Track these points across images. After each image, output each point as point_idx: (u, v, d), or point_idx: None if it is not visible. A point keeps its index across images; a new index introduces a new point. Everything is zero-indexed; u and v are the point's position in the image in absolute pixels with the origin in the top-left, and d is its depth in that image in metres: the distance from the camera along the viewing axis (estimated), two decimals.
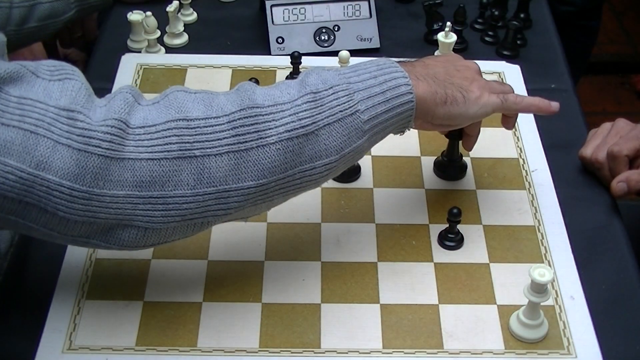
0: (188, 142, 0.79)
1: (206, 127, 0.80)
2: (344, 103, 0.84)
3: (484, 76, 1.00)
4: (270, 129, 0.81)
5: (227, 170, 0.80)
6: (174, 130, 0.79)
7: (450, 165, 1.13)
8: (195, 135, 0.79)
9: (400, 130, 0.93)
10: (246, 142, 0.80)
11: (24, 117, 0.75)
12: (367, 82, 0.87)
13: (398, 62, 0.92)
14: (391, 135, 1.19)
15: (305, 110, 0.83)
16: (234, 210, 0.83)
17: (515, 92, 1.01)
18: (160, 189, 0.79)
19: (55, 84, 0.78)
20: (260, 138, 0.81)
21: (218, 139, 0.80)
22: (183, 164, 0.79)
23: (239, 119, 0.81)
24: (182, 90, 0.83)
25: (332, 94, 0.84)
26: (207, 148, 0.79)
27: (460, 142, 1.10)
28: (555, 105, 1.01)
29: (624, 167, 1.10)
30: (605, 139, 1.13)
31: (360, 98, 0.85)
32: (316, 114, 0.83)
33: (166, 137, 0.79)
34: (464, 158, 1.14)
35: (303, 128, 0.82)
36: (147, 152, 0.78)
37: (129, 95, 0.81)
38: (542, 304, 0.91)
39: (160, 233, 0.82)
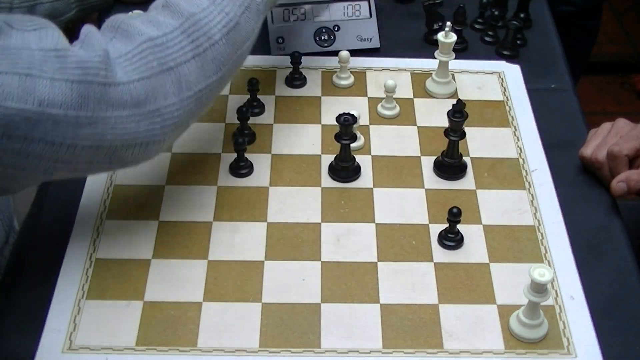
0: (162, 57, 0.89)
1: (168, 42, 0.90)
2: None
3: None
4: (212, 29, 0.92)
5: (197, 73, 0.91)
6: (146, 50, 0.88)
7: (450, 165, 1.13)
8: (164, 49, 0.89)
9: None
10: (201, 44, 0.92)
11: (14, 62, 0.78)
12: None
13: None
14: (391, 135, 1.20)
15: (226, 6, 0.94)
16: (206, 107, 0.96)
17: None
18: (154, 103, 0.88)
19: (32, 34, 0.82)
20: (210, 38, 0.92)
21: (182, 49, 0.90)
22: (165, 77, 0.89)
23: (187, 28, 0.91)
24: (124, 17, 0.91)
25: None
26: (177, 58, 0.90)
27: (460, 141, 1.10)
28: None
29: (624, 167, 1.10)
30: (605, 139, 1.13)
31: None
32: (233, 7, 0.95)
33: (144, 57, 0.88)
34: (463, 158, 1.14)
35: (232, 21, 0.94)
36: (135, 74, 0.87)
37: (98, 34, 0.88)
38: (542, 303, 0.91)
39: (158, 145, 0.91)
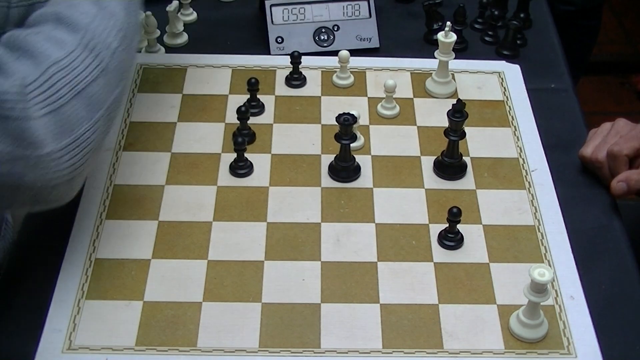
0: (71, 81, 0.83)
1: (73, 61, 0.84)
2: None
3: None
4: (108, 36, 0.87)
5: (104, 88, 0.86)
6: (55, 76, 0.82)
7: (450, 165, 1.13)
8: (71, 71, 0.83)
9: None
10: (104, 57, 0.86)
11: None
12: None
13: None
14: (391, 135, 1.20)
15: (114, 6, 0.88)
16: (113, 123, 0.91)
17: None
18: (70, 134, 0.83)
19: None
20: (108, 47, 0.86)
21: (87, 67, 0.84)
22: (77, 102, 0.83)
23: (87, 42, 0.85)
24: (24, 35, 0.85)
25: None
26: (85, 78, 0.84)
27: (460, 141, 1.10)
28: None
29: (623, 166, 1.10)
30: (605, 139, 1.13)
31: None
32: (117, 5, 0.89)
33: (53, 84, 0.82)
34: (463, 158, 1.14)
35: (121, 21, 0.88)
36: (47, 106, 0.81)
37: (6, 54, 0.83)
38: (541, 303, 0.91)
39: (80, 178, 0.87)
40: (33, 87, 0.80)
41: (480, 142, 1.19)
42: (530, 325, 0.93)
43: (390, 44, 1.38)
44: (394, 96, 1.22)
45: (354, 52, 1.29)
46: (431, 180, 1.13)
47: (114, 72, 0.87)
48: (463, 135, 1.11)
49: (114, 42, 0.87)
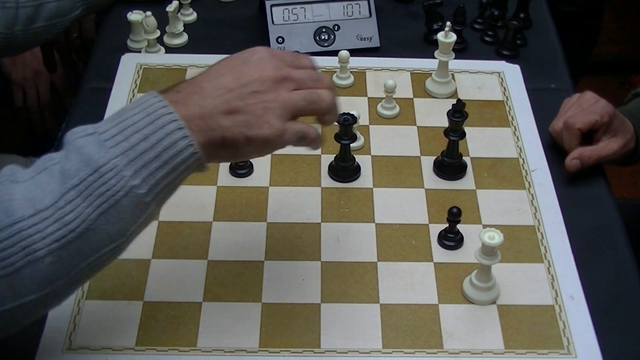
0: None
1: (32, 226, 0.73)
2: (114, 185, 0.74)
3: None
4: (36, 242, 0.73)
5: (2, 293, 0.73)
6: None
7: (449, 165, 1.13)
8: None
9: (200, 170, 0.82)
10: (14, 263, 0.72)
11: None
12: (138, 147, 0.76)
13: (174, 90, 0.81)
14: (391, 135, 1.20)
15: (70, 212, 0.73)
16: (26, 321, 0.78)
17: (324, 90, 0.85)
18: None
19: None
20: (28, 254, 0.73)
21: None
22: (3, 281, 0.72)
23: (1, 240, 0.72)
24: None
25: (98, 178, 0.74)
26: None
27: (460, 141, 1.10)
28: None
29: (575, 139, 1.12)
30: (567, 111, 1.15)
31: (132, 172, 0.75)
32: (84, 210, 0.74)
33: None
34: (463, 158, 1.14)
35: (73, 232, 0.74)
36: None
37: None
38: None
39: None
40: None
41: (480, 142, 1.19)
42: (481, 288, 0.96)
43: (390, 44, 1.38)
44: (394, 96, 1.22)
45: (354, 52, 1.29)
46: (431, 180, 1.13)
47: (27, 280, 0.73)
48: (463, 135, 1.11)
49: (41, 250, 0.73)
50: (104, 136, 0.76)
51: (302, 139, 0.83)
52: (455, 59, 1.26)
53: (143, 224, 0.78)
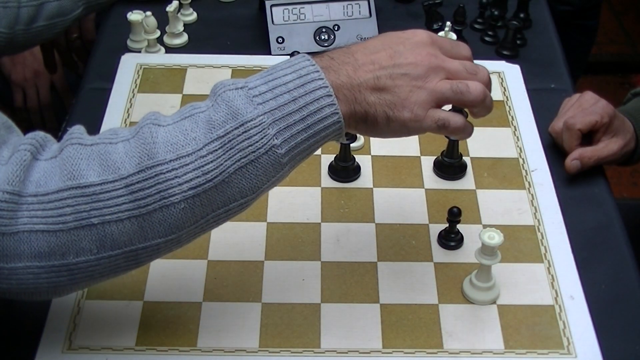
0: (84, 211, 0.73)
1: (102, 193, 0.74)
2: (257, 142, 0.76)
3: None
4: (172, 187, 0.74)
5: (130, 234, 0.75)
6: (67, 200, 0.73)
7: (449, 165, 1.13)
8: (92, 202, 0.73)
9: (337, 139, 0.83)
10: (147, 205, 0.74)
11: None
12: (285, 107, 0.77)
13: (326, 56, 0.82)
14: None
15: (211, 162, 0.75)
16: (146, 262, 0.80)
17: (473, 85, 0.84)
18: (61, 259, 0.74)
19: None
20: (163, 198, 0.74)
21: (116, 205, 0.74)
22: (82, 233, 0.74)
23: (137, 182, 0.74)
24: (77, 144, 0.76)
25: (242, 133, 0.75)
26: (105, 215, 0.74)
27: (460, 141, 1.10)
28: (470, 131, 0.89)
29: (575, 139, 1.12)
30: (567, 111, 1.15)
31: (276, 131, 0.76)
32: (224, 162, 0.75)
33: (60, 207, 0.73)
34: (463, 158, 1.14)
35: (210, 182, 0.75)
36: (41, 224, 0.73)
37: (26, 154, 0.75)
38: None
39: (70, 289, 0.80)
40: (35, 200, 0.73)
41: (480, 142, 1.19)
42: (481, 288, 0.96)
43: None
44: None
45: None
46: (431, 180, 1.13)
47: (158, 224, 0.75)
48: None
49: (176, 195, 0.74)
50: (253, 92, 0.77)
51: (442, 127, 0.83)
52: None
53: (273, 184, 0.79)
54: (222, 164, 0.75)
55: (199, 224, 0.78)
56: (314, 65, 0.79)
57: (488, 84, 0.86)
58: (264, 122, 0.76)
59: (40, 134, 0.78)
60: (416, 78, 0.81)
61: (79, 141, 0.77)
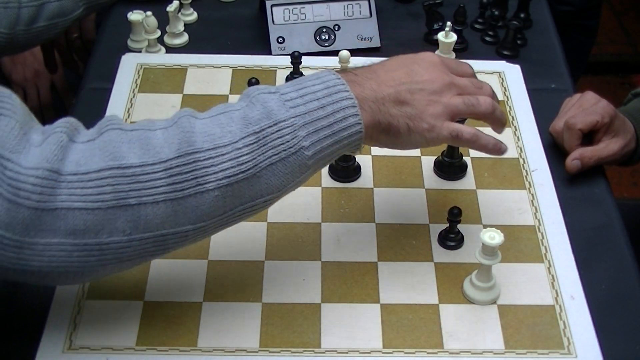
0: (123, 191, 0.76)
1: (142, 174, 0.77)
2: (288, 141, 0.81)
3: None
4: (208, 175, 0.78)
5: (164, 217, 0.78)
6: (108, 179, 0.76)
7: (450, 165, 1.13)
8: (131, 183, 0.77)
9: (349, 153, 0.90)
10: (183, 189, 0.78)
11: None
12: (314, 113, 0.83)
13: (350, 72, 0.88)
14: None
15: (246, 154, 0.80)
16: (172, 249, 0.83)
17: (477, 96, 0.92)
18: (94, 237, 0.77)
19: None
20: (199, 185, 0.78)
21: (154, 187, 0.77)
22: (118, 213, 0.77)
23: (176, 166, 0.78)
24: (117, 128, 0.80)
25: (276, 131, 0.81)
26: (142, 196, 0.77)
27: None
28: (504, 149, 0.96)
29: (576, 139, 1.12)
30: (568, 111, 1.15)
31: (305, 133, 0.82)
32: (258, 156, 0.80)
33: (100, 186, 0.76)
34: (463, 158, 1.14)
35: (243, 173, 0.79)
36: (80, 202, 0.75)
37: (62, 136, 0.77)
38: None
39: (97, 274, 0.81)
40: (75, 179, 0.75)
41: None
42: (482, 288, 0.96)
43: (391, 44, 1.38)
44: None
45: (355, 52, 1.29)
46: (431, 180, 1.13)
47: (190, 210, 0.79)
48: None
49: (211, 183, 0.78)
50: (285, 97, 0.83)
51: (456, 138, 0.90)
52: (455, 58, 1.26)
53: (295, 185, 0.85)
54: (255, 158, 0.80)
55: (226, 215, 0.81)
56: (339, 78, 0.86)
57: (493, 97, 0.94)
58: (296, 123, 0.82)
59: (72, 119, 0.81)
60: (432, 93, 0.89)
61: (119, 127, 0.80)
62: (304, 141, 0.82)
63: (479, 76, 1.30)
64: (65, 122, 0.80)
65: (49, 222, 0.75)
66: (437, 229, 1.05)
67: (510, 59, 1.35)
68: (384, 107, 0.87)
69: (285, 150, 0.81)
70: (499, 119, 0.95)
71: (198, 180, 0.78)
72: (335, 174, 1.12)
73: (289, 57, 1.26)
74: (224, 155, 0.79)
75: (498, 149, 0.95)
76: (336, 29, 1.35)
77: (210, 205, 0.79)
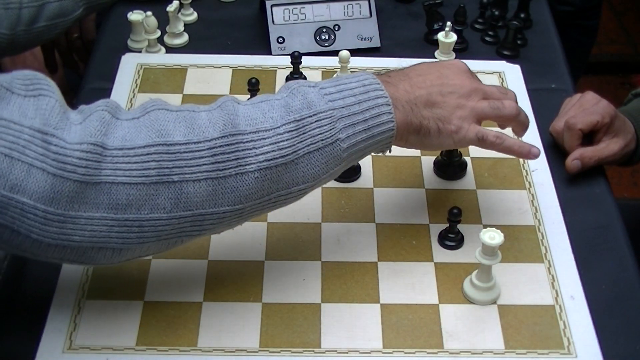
0: (167, 168, 0.78)
1: (186, 152, 0.79)
2: (326, 132, 0.84)
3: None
4: (250, 157, 0.81)
5: (204, 196, 0.80)
6: (153, 155, 0.78)
7: (450, 164, 1.13)
8: (175, 160, 0.79)
9: (379, 152, 0.93)
10: (225, 169, 0.80)
11: None
12: (351, 107, 0.86)
13: (384, 74, 0.93)
14: None
15: (286, 140, 0.82)
16: (208, 231, 0.84)
17: (510, 103, 0.96)
18: (136, 212, 0.78)
19: (30, 101, 0.77)
20: (240, 166, 0.81)
21: (197, 165, 0.79)
22: (161, 189, 0.79)
23: (220, 146, 0.80)
24: (163, 109, 0.82)
25: (315, 121, 0.84)
26: (185, 174, 0.79)
27: None
28: (535, 152, 0.98)
29: (576, 139, 1.12)
30: (568, 111, 1.15)
31: (342, 126, 0.85)
32: (297, 143, 0.83)
33: (145, 161, 0.78)
34: (463, 157, 1.14)
35: (283, 157, 0.82)
36: (124, 176, 0.77)
37: (105, 114, 0.80)
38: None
39: (134, 252, 0.82)
40: (120, 154, 0.77)
41: None
42: (482, 288, 0.96)
43: (391, 44, 1.38)
44: None
45: (355, 52, 1.29)
46: (431, 180, 1.13)
47: (230, 191, 0.81)
48: None
49: (251, 165, 0.81)
50: (324, 91, 0.86)
51: (481, 139, 0.93)
52: (455, 59, 1.26)
53: (327, 178, 0.87)
54: (295, 145, 0.83)
55: (262, 200, 0.84)
56: (375, 78, 0.90)
57: (516, 102, 0.98)
58: (334, 115, 0.85)
59: (111, 100, 0.84)
60: (461, 96, 0.93)
61: (164, 107, 0.83)
62: (340, 133, 0.85)
63: (479, 76, 1.30)
64: (106, 102, 0.82)
65: (93, 196, 0.77)
66: (437, 229, 1.05)
67: (511, 59, 1.35)
68: (416, 108, 0.90)
69: (322, 140, 0.84)
70: (522, 122, 0.98)
71: (239, 162, 0.81)
72: None
73: (289, 57, 1.26)
74: (265, 139, 0.81)
75: (526, 151, 0.97)
76: (336, 29, 1.35)
77: (249, 187, 0.81)
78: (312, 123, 0.84)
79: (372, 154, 0.92)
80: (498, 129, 0.98)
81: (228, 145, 0.80)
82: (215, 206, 0.81)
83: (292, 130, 0.83)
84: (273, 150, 0.82)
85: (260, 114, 0.83)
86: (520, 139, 1.03)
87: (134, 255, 0.83)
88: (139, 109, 0.83)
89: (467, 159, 1.15)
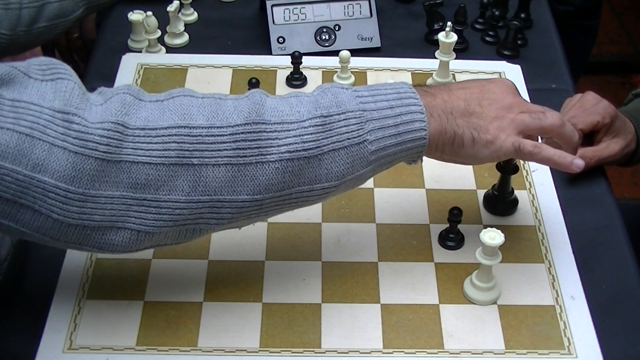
0: (187, 150, 0.78)
1: (208, 136, 0.79)
2: (354, 131, 0.83)
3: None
4: (272, 146, 0.80)
5: (223, 182, 0.80)
6: (174, 137, 0.78)
7: (501, 200, 1.09)
8: (196, 143, 0.79)
9: (410, 162, 0.91)
10: (246, 156, 0.80)
11: (19, 119, 0.74)
12: (383, 111, 0.85)
13: (424, 86, 0.91)
14: None
15: (311, 134, 0.81)
16: (226, 221, 0.83)
17: (552, 120, 0.91)
18: (154, 192, 0.79)
19: (47, 85, 0.77)
20: (261, 155, 0.80)
21: (218, 150, 0.79)
22: (180, 171, 0.79)
23: (242, 132, 0.80)
24: (188, 95, 0.82)
25: (343, 119, 0.83)
26: (206, 157, 0.79)
27: (513, 175, 1.06)
28: (577, 165, 0.92)
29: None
30: (569, 111, 1.14)
31: (371, 128, 0.84)
32: (322, 139, 0.82)
33: (166, 142, 0.78)
34: (515, 193, 1.09)
35: (306, 151, 0.81)
36: (144, 156, 0.78)
37: (127, 96, 0.80)
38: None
39: (152, 237, 0.81)
40: (143, 133, 0.78)
41: None
42: (482, 288, 0.96)
43: (391, 44, 1.38)
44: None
45: (355, 52, 1.29)
46: (431, 180, 1.13)
47: (249, 179, 0.80)
48: None
49: (273, 155, 0.80)
50: (357, 93, 0.86)
51: (518, 150, 0.89)
52: (456, 59, 1.26)
53: (353, 181, 0.86)
54: (319, 140, 0.82)
55: (283, 194, 0.82)
56: (411, 88, 0.88)
57: (560, 118, 0.93)
58: (363, 116, 0.84)
59: (133, 85, 0.84)
60: (501, 108, 0.90)
61: (191, 94, 0.83)
62: (369, 135, 0.84)
63: (479, 76, 1.30)
64: (128, 86, 0.82)
65: (114, 174, 0.77)
66: (437, 229, 1.05)
67: (511, 59, 1.35)
68: (451, 117, 0.88)
69: (349, 139, 0.83)
70: (568, 135, 0.93)
71: (261, 150, 0.80)
72: None
73: (289, 57, 1.26)
74: (289, 131, 0.81)
75: (568, 162, 0.91)
76: (336, 29, 1.35)
77: (269, 177, 0.80)
78: (340, 121, 0.83)
79: (403, 163, 0.90)
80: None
81: (251, 132, 0.80)
82: (233, 194, 0.80)
83: (318, 125, 0.82)
84: (296, 143, 0.81)
85: (288, 107, 0.83)
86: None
87: (152, 243, 0.83)
88: (164, 94, 0.83)
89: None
